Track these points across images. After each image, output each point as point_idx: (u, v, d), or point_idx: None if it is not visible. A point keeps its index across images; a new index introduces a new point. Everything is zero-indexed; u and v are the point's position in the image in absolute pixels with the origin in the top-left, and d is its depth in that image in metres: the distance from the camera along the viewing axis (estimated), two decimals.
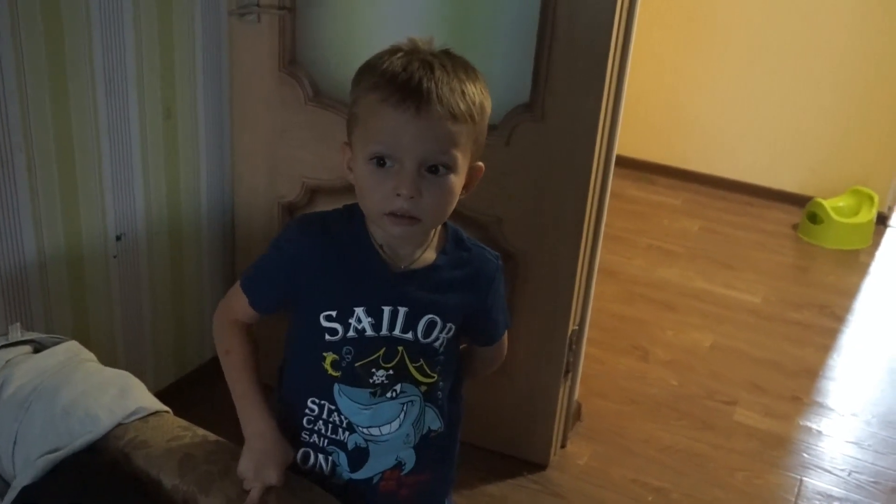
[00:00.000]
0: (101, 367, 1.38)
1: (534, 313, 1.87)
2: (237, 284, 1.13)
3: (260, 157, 1.99)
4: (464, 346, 1.22)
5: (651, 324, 2.78)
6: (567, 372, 1.96)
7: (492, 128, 1.72)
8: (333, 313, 1.05)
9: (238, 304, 1.12)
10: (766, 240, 3.56)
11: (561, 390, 1.96)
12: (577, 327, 1.95)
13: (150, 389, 1.36)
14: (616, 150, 1.83)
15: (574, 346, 1.96)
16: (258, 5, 1.85)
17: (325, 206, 1.20)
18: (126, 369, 1.39)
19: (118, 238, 1.80)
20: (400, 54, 0.98)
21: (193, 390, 1.99)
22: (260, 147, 1.99)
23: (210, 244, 2.09)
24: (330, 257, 1.05)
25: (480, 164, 1.06)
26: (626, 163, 3.69)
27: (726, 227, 3.66)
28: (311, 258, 1.06)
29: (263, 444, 1.08)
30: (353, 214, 1.06)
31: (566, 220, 1.77)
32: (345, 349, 1.06)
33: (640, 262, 3.23)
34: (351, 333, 1.05)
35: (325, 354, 1.06)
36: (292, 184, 1.97)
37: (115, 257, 1.81)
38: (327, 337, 1.06)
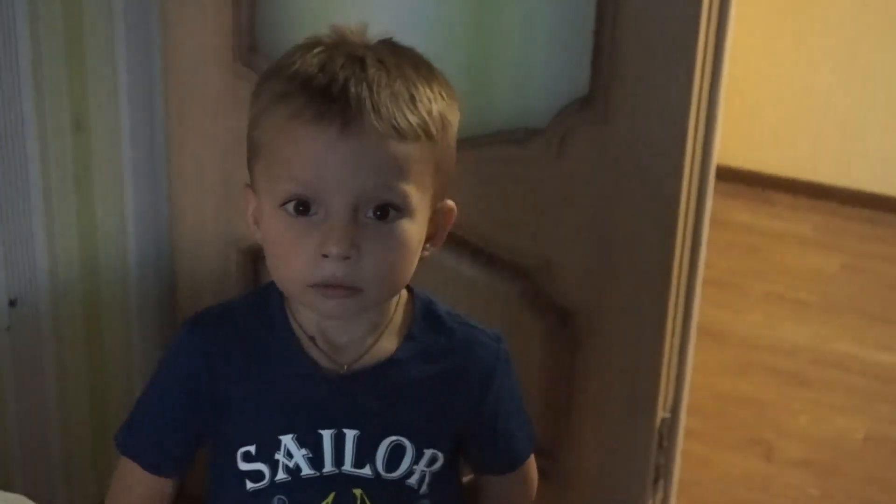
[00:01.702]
0: None
1: (603, 396, 1.86)
2: (118, 457, 1.10)
3: (208, 182, 2.01)
4: (468, 478, 1.19)
5: (776, 406, 2.77)
6: (657, 479, 1.94)
7: (536, 133, 1.76)
8: (252, 449, 1.03)
9: (132, 478, 1.09)
10: None
11: None
12: (668, 415, 1.94)
13: None
14: (715, 159, 1.83)
15: (666, 442, 1.94)
16: None
17: None
18: (24, 491, 1.40)
19: (11, 303, 1.80)
20: (318, 49, 0.96)
21: None
22: (208, 169, 2.00)
23: (141, 308, 2.09)
24: (237, 366, 1.04)
25: (451, 203, 1.03)
26: (730, 175, 3.67)
27: (878, 262, 3.65)
28: (213, 372, 1.04)
29: None
30: (268, 296, 1.05)
31: (645, 261, 1.77)
32: (276, 500, 1.03)
33: (756, 317, 3.23)
34: (281, 475, 1.03)
35: None
36: None
37: (7, 329, 1.81)
38: (249, 485, 1.04)
